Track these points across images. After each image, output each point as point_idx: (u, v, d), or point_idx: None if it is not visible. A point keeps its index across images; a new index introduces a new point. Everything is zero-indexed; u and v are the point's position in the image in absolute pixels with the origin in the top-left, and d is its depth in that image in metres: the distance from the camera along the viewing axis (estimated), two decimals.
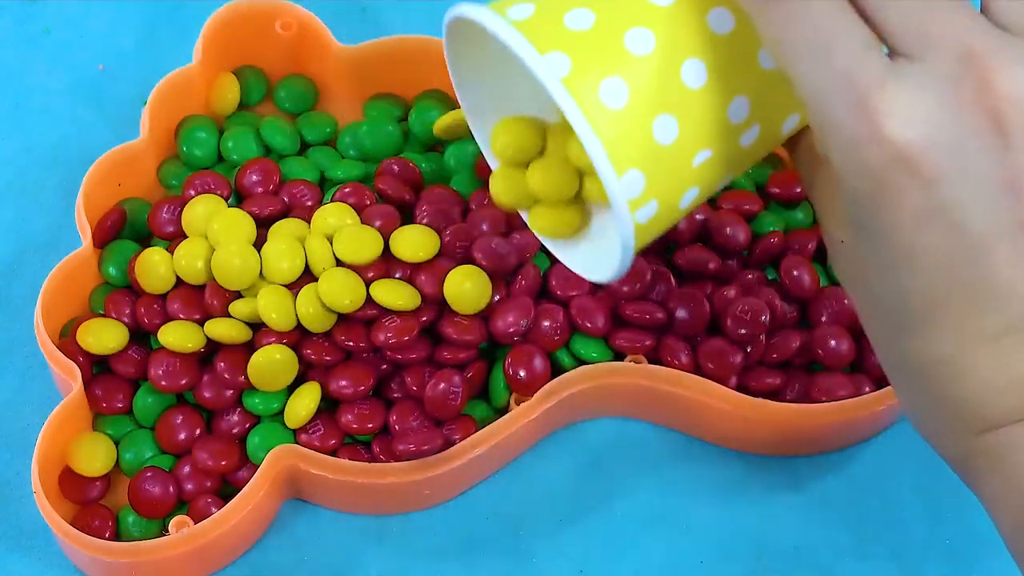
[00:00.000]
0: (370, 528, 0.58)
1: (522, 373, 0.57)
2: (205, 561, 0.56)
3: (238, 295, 0.57)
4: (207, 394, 0.57)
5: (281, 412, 0.57)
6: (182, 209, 0.59)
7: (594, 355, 0.58)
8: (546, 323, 0.58)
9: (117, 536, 0.56)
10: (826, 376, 0.59)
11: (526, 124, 0.48)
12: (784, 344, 0.59)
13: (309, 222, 0.59)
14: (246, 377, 0.56)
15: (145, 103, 0.62)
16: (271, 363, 0.56)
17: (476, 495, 0.58)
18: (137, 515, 0.56)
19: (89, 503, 0.56)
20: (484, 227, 0.59)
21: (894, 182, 0.39)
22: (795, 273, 0.60)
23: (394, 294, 0.56)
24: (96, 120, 0.66)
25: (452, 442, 0.56)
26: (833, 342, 0.59)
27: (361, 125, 0.64)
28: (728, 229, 0.61)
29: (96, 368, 0.58)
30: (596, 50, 0.42)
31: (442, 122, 0.62)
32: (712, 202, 0.63)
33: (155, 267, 0.58)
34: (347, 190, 0.60)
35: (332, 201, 0.60)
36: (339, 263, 0.57)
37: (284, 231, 0.58)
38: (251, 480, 0.55)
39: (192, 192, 0.60)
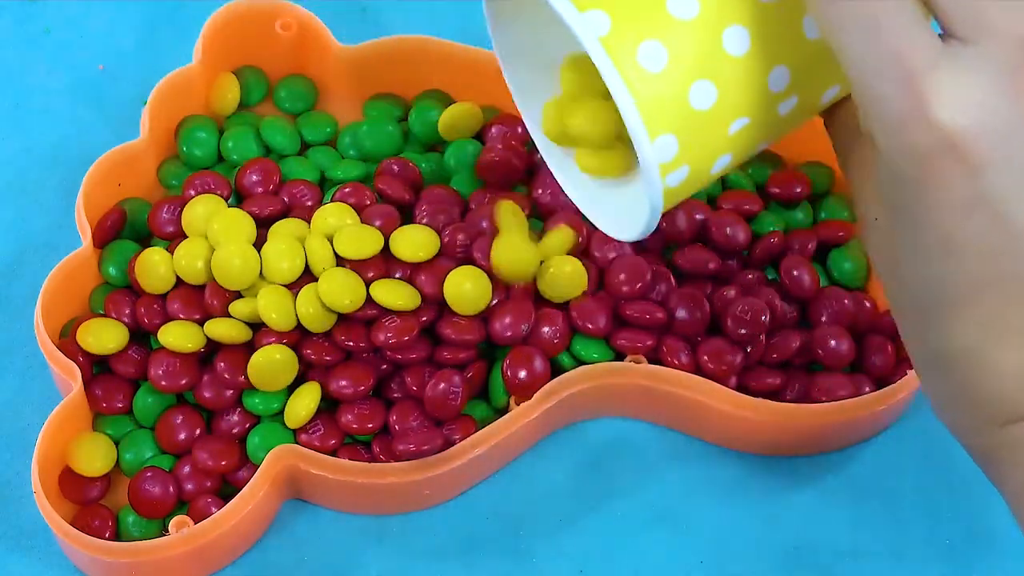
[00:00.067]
0: (370, 528, 0.58)
1: (522, 374, 0.57)
2: (205, 561, 0.56)
3: (238, 295, 0.57)
4: (207, 394, 0.57)
5: (281, 412, 0.57)
6: (182, 209, 0.59)
7: (594, 355, 0.58)
8: (546, 328, 0.58)
9: (117, 536, 0.56)
10: (826, 376, 0.59)
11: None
12: (784, 344, 0.59)
13: (309, 222, 0.59)
14: (246, 377, 0.56)
15: (145, 103, 0.62)
16: (271, 363, 0.56)
17: (476, 495, 0.58)
18: (137, 515, 0.56)
19: (89, 503, 0.56)
20: (484, 225, 0.59)
21: (939, 167, 0.38)
22: (795, 273, 0.60)
23: (394, 294, 0.56)
24: (96, 120, 0.66)
25: (452, 442, 0.56)
26: (833, 342, 0.59)
27: (361, 125, 0.64)
28: (728, 229, 0.61)
29: (96, 368, 0.58)
30: (638, 11, 0.42)
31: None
32: (712, 202, 0.63)
33: (155, 267, 0.58)
34: (347, 190, 0.60)
35: (332, 201, 0.60)
36: (339, 262, 0.57)
37: (284, 231, 0.58)
38: (251, 480, 0.55)
39: (192, 192, 0.60)
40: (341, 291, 0.56)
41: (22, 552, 0.57)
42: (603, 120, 0.47)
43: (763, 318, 0.58)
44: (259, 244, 0.58)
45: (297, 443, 0.56)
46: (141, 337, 0.58)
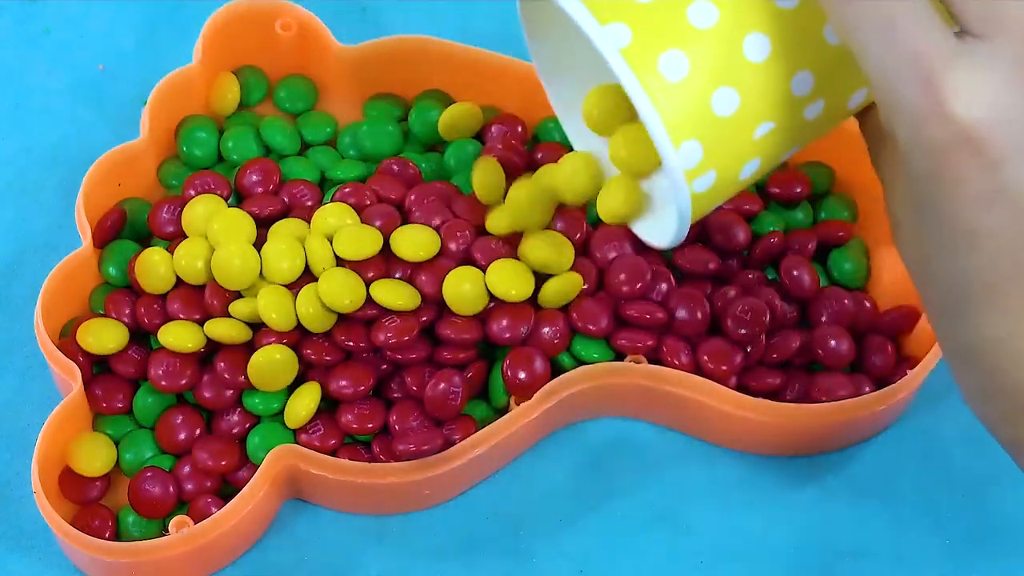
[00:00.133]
0: (370, 528, 0.58)
1: (522, 375, 0.57)
2: (205, 561, 0.56)
3: (238, 295, 0.57)
4: (207, 394, 0.57)
5: (281, 412, 0.57)
6: (182, 209, 0.59)
7: (595, 355, 0.58)
8: (546, 329, 0.58)
9: (117, 536, 0.56)
10: (826, 376, 0.59)
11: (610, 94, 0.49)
12: (784, 344, 0.59)
13: (309, 222, 0.59)
14: (246, 377, 0.56)
15: (145, 103, 0.62)
16: (271, 363, 0.56)
17: (476, 495, 0.58)
18: (137, 515, 0.56)
19: (89, 503, 0.56)
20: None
21: (958, 162, 0.39)
22: (795, 273, 0.60)
23: (394, 294, 0.56)
24: (96, 120, 0.66)
25: (452, 442, 0.56)
26: (833, 342, 0.59)
27: (361, 125, 0.64)
28: (728, 229, 0.61)
29: (96, 368, 0.58)
30: (658, 22, 0.42)
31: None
32: None
33: (155, 267, 0.58)
34: (347, 190, 0.60)
35: (332, 201, 0.60)
36: (339, 262, 0.57)
37: (284, 231, 0.58)
38: (251, 480, 0.55)
39: (192, 192, 0.60)
40: (341, 291, 0.56)
41: (22, 552, 0.57)
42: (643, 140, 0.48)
43: (763, 318, 0.58)
44: (259, 244, 0.58)
45: (297, 443, 0.56)
46: (141, 337, 0.58)
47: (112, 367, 0.58)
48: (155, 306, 0.58)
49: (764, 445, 0.59)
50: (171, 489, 0.56)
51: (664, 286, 0.59)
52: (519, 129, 0.64)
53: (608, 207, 0.51)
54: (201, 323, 0.57)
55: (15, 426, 0.59)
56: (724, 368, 0.58)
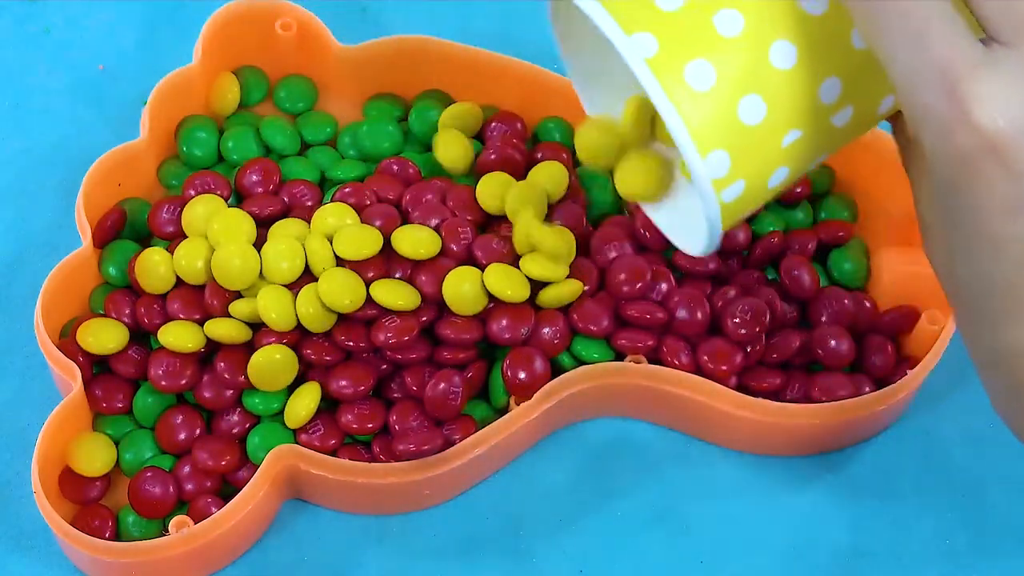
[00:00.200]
0: (370, 528, 0.58)
1: (522, 375, 0.57)
2: (205, 561, 0.56)
3: (238, 295, 0.57)
4: (207, 394, 0.57)
5: (281, 412, 0.57)
6: (182, 209, 0.59)
7: (595, 355, 0.58)
8: (546, 329, 0.58)
9: (117, 536, 0.56)
10: (826, 376, 0.59)
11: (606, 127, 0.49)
12: (784, 344, 0.59)
13: (309, 222, 0.59)
14: (246, 377, 0.56)
15: (145, 103, 0.62)
16: (271, 363, 0.56)
17: (476, 495, 0.58)
18: (137, 515, 0.56)
19: (89, 503, 0.56)
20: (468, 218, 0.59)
21: (982, 170, 0.39)
22: (795, 273, 0.60)
23: (394, 294, 0.56)
24: (96, 120, 0.66)
25: (452, 442, 0.56)
26: (833, 342, 0.59)
27: (361, 125, 0.64)
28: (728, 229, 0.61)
29: (96, 368, 0.58)
30: (684, 31, 0.42)
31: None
32: None
33: (155, 267, 0.58)
34: (347, 190, 0.60)
35: (332, 201, 0.60)
36: (339, 262, 0.57)
37: (284, 231, 0.58)
38: (251, 480, 0.55)
39: (192, 192, 0.60)
40: (341, 291, 0.56)
41: (22, 552, 0.57)
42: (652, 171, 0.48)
43: (763, 318, 0.58)
44: (259, 244, 0.58)
45: (297, 443, 0.56)
46: (141, 337, 0.58)
47: (112, 367, 0.58)
48: (155, 306, 0.58)
49: (764, 445, 0.59)
50: (171, 489, 0.56)
51: (664, 286, 0.59)
52: (519, 127, 0.64)
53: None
54: (201, 323, 0.57)
55: (15, 426, 0.59)
56: (724, 368, 0.58)
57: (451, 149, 0.61)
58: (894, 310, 0.60)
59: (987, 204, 0.39)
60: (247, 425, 0.57)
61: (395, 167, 0.62)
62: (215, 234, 0.58)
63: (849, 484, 0.59)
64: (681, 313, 0.59)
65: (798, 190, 0.63)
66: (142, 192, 0.62)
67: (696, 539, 0.58)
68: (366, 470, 0.55)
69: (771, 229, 0.62)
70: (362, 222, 0.58)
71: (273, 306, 0.56)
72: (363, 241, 0.57)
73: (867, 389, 0.58)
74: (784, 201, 0.63)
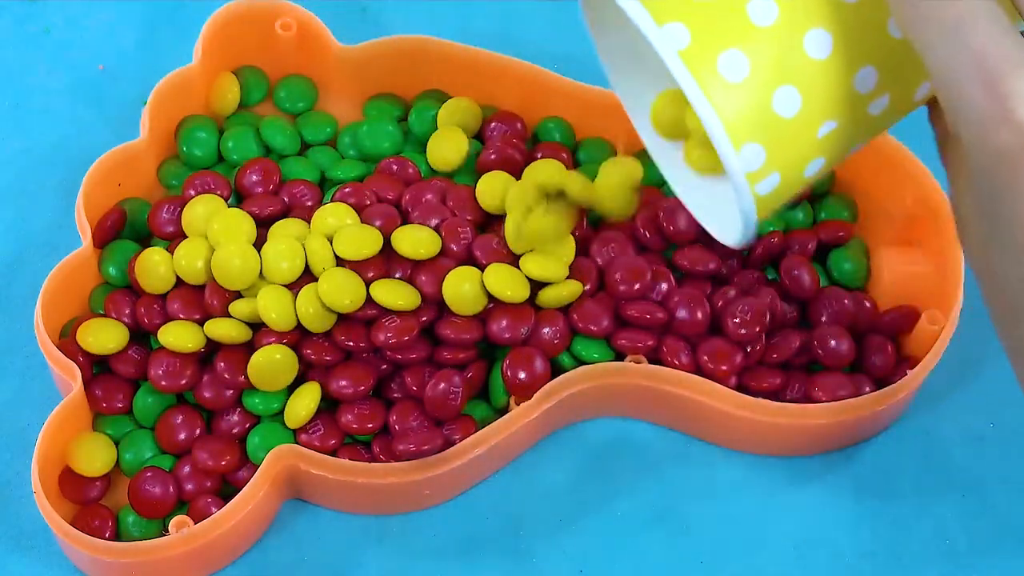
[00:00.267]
0: (370, 528, 0.58)
1: (522, 375, 0.57)
2: (205, 561, 0.56)
3: (238, 295, 0.57)
4: (207, 394, 0.57)
5: (281, 412, 0.57)
6: (182, 209, 0.59)
7: (595, 355, 0.58)
8: (546, 329, 0.58)
9: (117, 536, 0.56)
10: (826, 376, 0.59)
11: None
12: (784, 344, 0.59)
13: (309, 222, 0.59)
14: (246, 377, 0.56)
15: (145, 103, 0.62)
16: (271, 363, 0.56)
17: (476, 495, 0.58)
18: (137, 515, 0.56)
19: (89, 503, 0.56)
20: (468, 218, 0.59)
21: (1021, 168, 0.38)
22: (795, 273, 0.60)
23: (394, 294, 0.56)
24: (96, 120, 0.66)
25: (452, 442, 0.56)
26: (833, 342, 0.59)
27: (361, 125, 0.64)
28: None
29: (96, 368, 0.58)
30: (717, 21, 0.42)
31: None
32: None
33: (155, 267, 0.58)
34: (347, 190, 0.60)
35: (332, 201, 0.60)
36: (339, 262, 0.57)
37: (284, 231, 0.58)
38: (251, 480, 0.55)
39: (192, 192, 0.60)
40: (341, 291, 0.56)
41: (22, 552, 0.57)
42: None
43: (763, 318, 0.58)
44: (259, 244, 0.58)
45: (297, 443, 0.56)
46: (141, 337, 0.58)
47: (112, 367, 0.58)
48: (155, 306, 0.58)
49: (764, 445, 0.59)
50: (171, 489, 0.56)
51: (664, 286, 0.59)
52: (519, 127, 0.64)
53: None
54: (201, 323, 0.57)
55: (15, 426, 0.59)
56: (724, 368, 0.58)
57: (442, 148, 0.61)
58: (894, 310, 0.60)
59: None
60: (247, 425, 0.57)
61: (395, 167, 0.62)
62: (215, 234, 0.58)
63: (849, 484, 0.59)
64: (681, 313, 0.59)
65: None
66: (142, 192, 0.62)
67: (696, 539, 0.58)
68: (366, 470, 0.55)
69: (771, 229, 0.62)
70: (362, 222, 0.58)
71: (273, 306, 0.56)
72: (363, 241, 0.57)
73: (867, 389, 0.58)
74: None
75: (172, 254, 0.58)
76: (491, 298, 0.57)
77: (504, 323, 0.57)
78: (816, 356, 0.59)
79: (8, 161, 0.65)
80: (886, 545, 0.58)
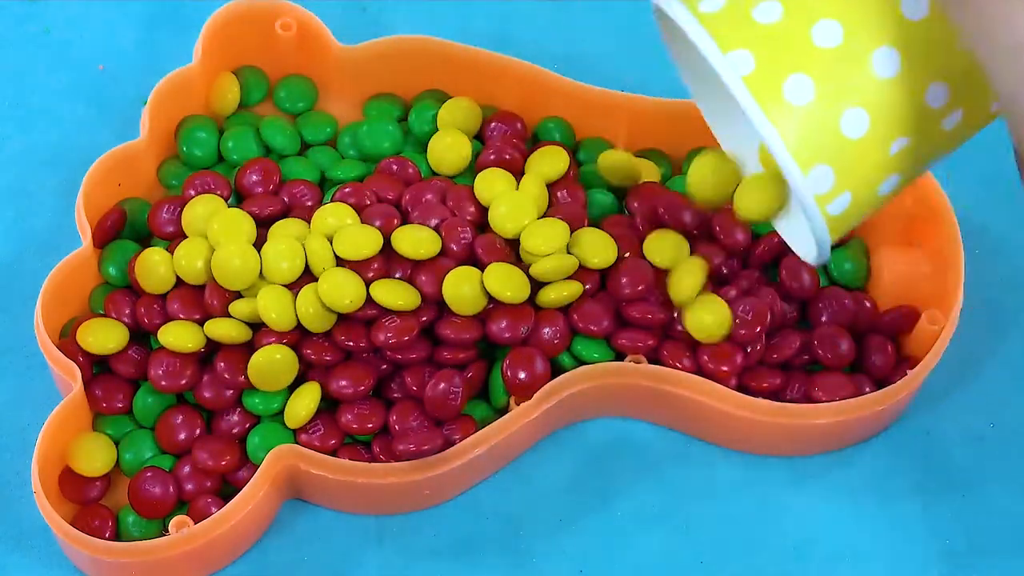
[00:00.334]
0: (370, 528, 0.58)
1: (522, 375, 0.57)
2: (205, 561, 0.56)
3: (238, 295, 0.57)
4: (207, 394, 0.57)
5: (281, 412, 0.57)
6: (182, 209, 0.59)
7: (595, 355, 0.58)
8: (546, 329, 0.58)
9: (117, 536, 0.56)
10: (826, 376, 0.59)
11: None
12: (784, 344, 0.59)
13: (309, 222, 0.59)
14: (246, 377, 0.56)
15: (145, 103, 0.62)
16: (271, 363, 0.56)
17: (476, 495, 0.58)
18: (137, 515, 0.56)
19: (89, 503, 0.56)
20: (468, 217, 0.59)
21: None
22: (795, 273, 0.60)
23: (394, 294, 0.56)
24: (96, 120, 0.66)
25: (452, 442, 0.56)
26: (833, 342, 0.59)
27: (361, 125, 0.64)
28: (728, 229, 0.61)
29: (96, 368, 0.58)
30: (782, 45, 0.41)
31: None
32: None
33: (155, 267, 0.58)
34: (347, 190, 0.60)
35: (332, 201, 0.60)
36: (339, 262, 0.57)
37: (284, 231, 0.58)
38: (251, 480, 0.55)
39: (192, 192, 0.60)
40: (341, 291, 0.56)
41: (22, 552, 0.57)
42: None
43: (763, 318, 0.58)
44: (259, 244, 0.58)
45: (297, 443, 0.56)
46: (141, 337, 0.58)
47: (112, 367, 0.58)
48: (155, 306, 0.58)
49: (764, 445, 0.59)
50: (171, 489, 0.56)
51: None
52: (519, 127, 0.64)
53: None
54: (201, 323, 0.57)
55: (15, 426, 0.59)
56: (725, 369, 0.58)
57: (445, 151, 0.62)
58: (894, 310, 0.60)
59: None
60: (247, 425, 0.57)
61: (395, 167, 0.62)
62: (215, 234, 0.58)
63: (849, 484, 0.59)
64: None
65: None
66: (142, 192, 0.62)
67: (696, 539, 0.58)
68: (366, 470, 0.55)
69: (771, 229, 0.62)
70: (362, 222, 0.58)
71: (273, 306, 0.56)
72: (363, 241, 0.57)
73: (867, 389, 0.58)
74: None
75: (172, 254, 0.58)
76: (491, 298, 0.57)
77: (504, 323, 0.57)
78: (816, 356, 0.59)
79: (8, 161, 0.65)
80: (886, 545, 0.58)
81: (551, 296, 0.58)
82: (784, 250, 0.61)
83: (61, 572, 0.56)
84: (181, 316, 0.57)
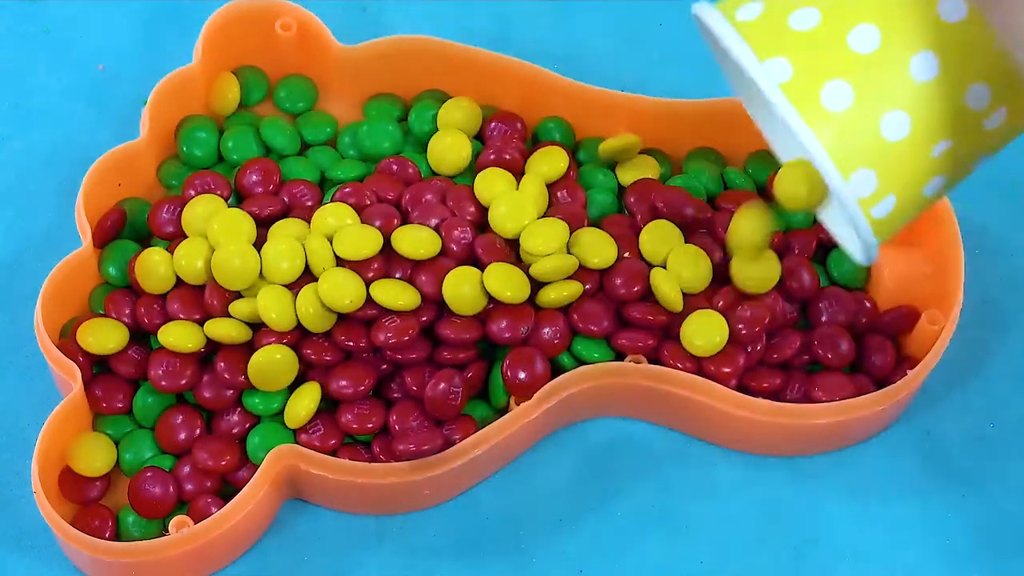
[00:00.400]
0: (370, 528, 0.58)
1: (522, 375, 0.57)
2: (205, 561, 0.56)
3: (238, 295, 0.57)
4: (207, 394, 0.57)
5: (281, 412, 0.57)
6: (182, 209, 0.59)
7: (595, 355, 0.58)
8: (546, 330, 0.58)
9: (117, 536, 0.56)
10: (826, 376, 0.59)
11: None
12: (784, 344, 0.59)
13: (309, 222, 0.59)
14: (246, 377, 0.56)
15: (145, 103, 0.62)
16: (271, 363, 0.56)
17: (476, 495, 0.58)
18: (137, 515, 0.56)
19: (89, 503, 0.56)
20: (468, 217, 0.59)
21: None
22: (795, 273, 0.60)
23: (394, 294, 0.56)
24: (96, 120, 0.66)
25: (452, 442, 0.56)
26: (833, 342, 0.59)
27: (361, 125, 0.64)
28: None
29: (96, 368, 0.58)
30: (819, 52, 0.42)
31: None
32: (712, 202, 0.63)
33: (155, 267, 0.58)
34: (347, 190, 0.60)
35: (332, 201, 0.60)
36: (339, 262, 0.57)
37: (284, 231, 0.58)
38: (251, 480, 0.55)
39: (192, 192, 0.60)
40: (341, 291, 0.56)
41: (22, 552, 0.57)
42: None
43: (763, 318, 0.58)
44: (259, 244, 0.58)
45: (297, 443, 0.56)
46: (141, 337, 0.58)
47: (112, 367, 0.58)
48: (155, 306, 0.58)
49: (764, 445, 0.59)
50: (171, 489, 0.56)
51: None
52: (519, 127, 0.64)
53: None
54: (201, 323, 0.57)
55: (15, 426, 0.59)
56: (726, 370, 0.58)
57: (445, 152, 0.62)
58: (894, 310, 0.60)
59: None
60: (247, 425, 0.57)
61: (395, 167, 0.62)
62: (215, 234, 0.58)
63: (849, 484, 0.59)
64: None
65: None
66: (142, 192, 0.62)
67: (696, 539, 0.58)
68: (366, 470, 0.55)
69: (783, 227, 0.62)
70: (362, 222, 0.58)
71: (273, 306, 0.56)
72: (363, 241, 0.57)
73: (867, 389, 0.58)
74: None
75: (172, 254, 0.58)
76: (491, 298, 0.57)
77: (504, 323, 0.57)
78: (816, 356, 0.59)
79: (8, 161, 0.65)
80: (886, 545, 0.58)
81: (551, 296, 0.58)
82: (784, 250, 0.61)
83: (61, 572, 0.56)
84: (181, 316, 0.57)
